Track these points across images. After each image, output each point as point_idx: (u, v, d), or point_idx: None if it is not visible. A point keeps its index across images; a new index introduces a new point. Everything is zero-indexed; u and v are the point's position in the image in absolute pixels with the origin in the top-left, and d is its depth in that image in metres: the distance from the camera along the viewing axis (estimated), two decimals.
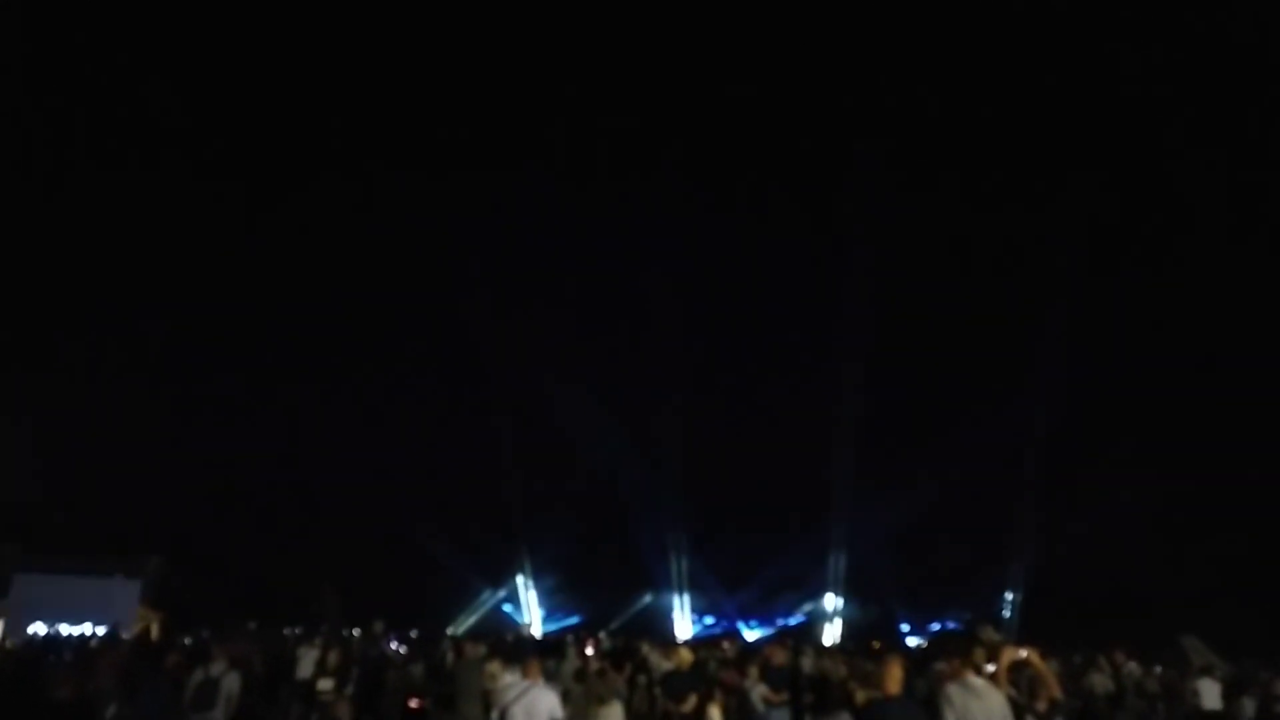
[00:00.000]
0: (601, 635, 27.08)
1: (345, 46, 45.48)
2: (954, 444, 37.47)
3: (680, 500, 39.35)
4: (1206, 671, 16.22)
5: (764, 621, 42.93)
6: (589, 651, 17.33)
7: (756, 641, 32.93)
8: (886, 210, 39.99)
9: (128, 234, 40.34)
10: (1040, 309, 41.45)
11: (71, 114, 39.80)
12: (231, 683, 10.37)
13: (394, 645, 19.62)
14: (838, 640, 37.29)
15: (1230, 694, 15.30)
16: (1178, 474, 36.57)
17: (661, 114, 45.97)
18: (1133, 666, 18.72)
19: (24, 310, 38.00)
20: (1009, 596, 37.73)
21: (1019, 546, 37.60)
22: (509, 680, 8.18)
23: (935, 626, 39.71)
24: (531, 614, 40.90)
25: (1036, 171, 43.98)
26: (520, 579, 40.83)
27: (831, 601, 40.73)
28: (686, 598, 40.96)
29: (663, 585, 41.38)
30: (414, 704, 13.57)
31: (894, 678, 5.80)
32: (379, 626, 21.17)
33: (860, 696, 5.91)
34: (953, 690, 5.84)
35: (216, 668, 10.44)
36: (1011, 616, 37.03)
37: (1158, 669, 19.77)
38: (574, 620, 40.82)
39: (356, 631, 25.07)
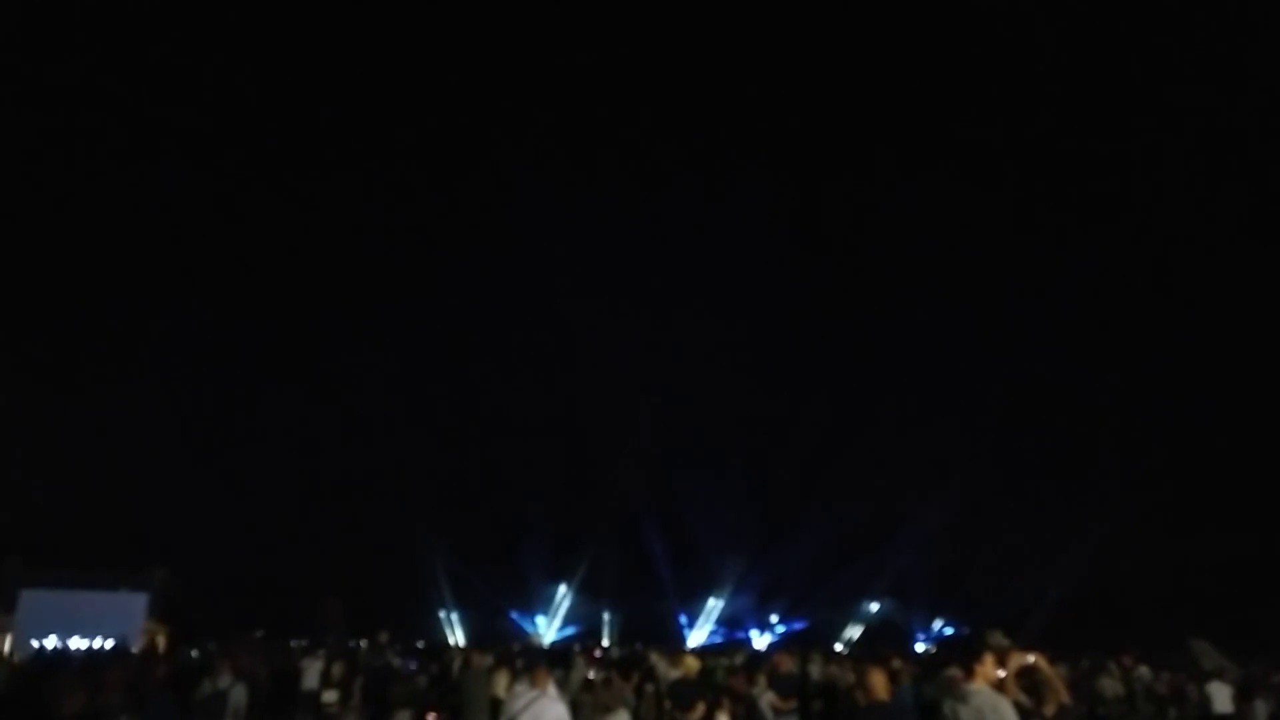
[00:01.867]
0: (606, 643, 26.96)
1: (364, 44, 45.73)
2: (965, 450, 37.49)
3: (697, 507, 39.37)
4: (1217, 675, 16.11)
5: (769, 627, 42.79)
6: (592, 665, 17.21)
7: (765, 649, 32.86)
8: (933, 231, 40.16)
9: (135, 247, 40.52)
10: (1053, 317, 41.57)
11: (81, 125, 40.01)
12: (239, 695, 10.36)
13: (409, 665, 19.43)
14: (849, 645, 37.22)
15: (1241, 697, 15.19)
16: (1187, 477, 36.53)
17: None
18: (1143, 670, 18.62)
19: (28, 324, 38.13)
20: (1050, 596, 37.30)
21: (1030, 552, 37.51)
22: (517, 690, 8.14)
23: (944, 631, 39.57)
24: (553, 622, 40.86)
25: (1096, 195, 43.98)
26: (561, 588, 40.58)
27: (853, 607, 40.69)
28: (709, 603, 40.92)
29: (673, 593, 41.33)
30: (430, 718, 13.46)
31: (878, 685, 5.88)
32: (384, 637, 21.13)
33: (864, 703, 5.95)
34: (947, 702, 5.87)
35: (223, 680, 10.43)
36: (1033, 620, 36.76)
37: (1165, 674, 19.64)
38: (574, 629, 40.79)
39: (364, 643, 25.01)
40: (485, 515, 42.66)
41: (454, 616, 39.91)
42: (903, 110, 46.49)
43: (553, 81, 50.95)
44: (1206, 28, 35.77)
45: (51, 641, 27.69)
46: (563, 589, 40.74)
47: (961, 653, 6.35)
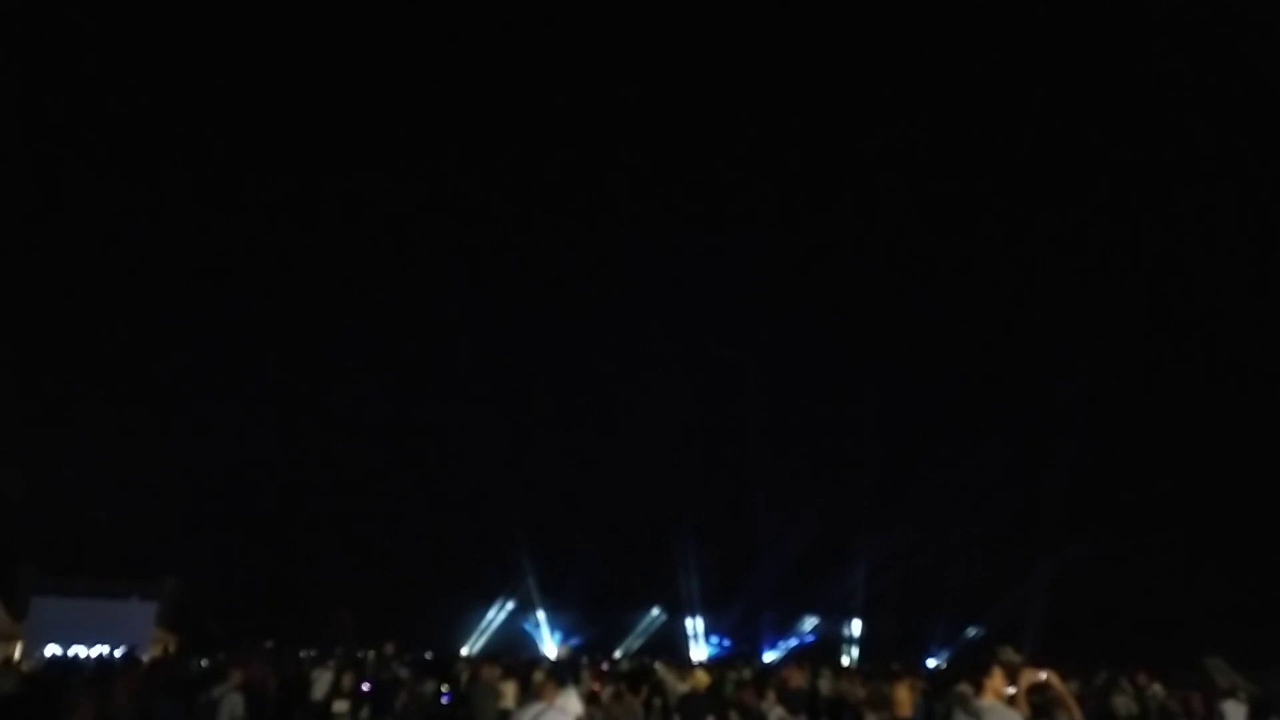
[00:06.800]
0: (618, 655, 26.80)
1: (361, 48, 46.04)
2: (973, 461, 37.25)
3: (698, 518, 39.25)
4: (1231, 693, 15.96)
5: (777, 643, 42.49)
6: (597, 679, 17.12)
7: (773, 663, 32.65)
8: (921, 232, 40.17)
9: (146, 257, 40.84)
10: (1064, 322, 41.41)
11: (86, 136, 40.36)
12: (235, 703, 10.45)
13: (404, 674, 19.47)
14: (855, 661, 36.92)
15: (1256, 715, 15.04)
16: (1201, 491, 36.21)
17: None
18: (1157, 688, 18.42)
19: (37, 333, 38.42)
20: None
21: (1040, 566, 37.19)
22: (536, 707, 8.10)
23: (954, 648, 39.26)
24: (546, 635, 40.68)
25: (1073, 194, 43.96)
26: (537, 599, 40.48)
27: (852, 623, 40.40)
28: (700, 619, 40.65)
29: (677, 605, 41.14)
30: None
31: (903, 701, 5.83)
32: (391, 648, 21.12)
33: (872, 719, 5.90)
34: (957, 717, 5.83)
35: (218, 689, 10.56)
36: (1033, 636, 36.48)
37: (1179, 692, 19.43)
38: (578, 641, 40.57)
39: (371, 654, 24.97)
40: (499, 522, 42.62)
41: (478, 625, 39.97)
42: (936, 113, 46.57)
43: (560, 94, 51.19)
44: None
45: (61, 650, 27.77)
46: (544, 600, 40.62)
47: (971, 668, 6.32)
